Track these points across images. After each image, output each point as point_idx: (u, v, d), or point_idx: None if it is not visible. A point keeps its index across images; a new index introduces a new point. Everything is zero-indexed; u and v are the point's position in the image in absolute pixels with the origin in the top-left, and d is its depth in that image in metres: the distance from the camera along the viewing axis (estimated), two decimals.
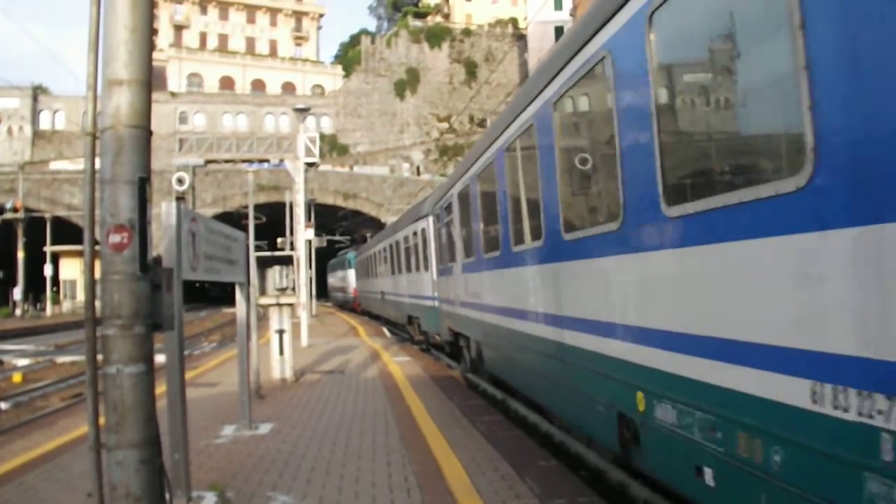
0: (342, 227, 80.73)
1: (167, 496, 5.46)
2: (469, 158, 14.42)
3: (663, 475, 6.07)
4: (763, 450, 4.27)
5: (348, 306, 60.89)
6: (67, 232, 63.37)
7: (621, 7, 5.96)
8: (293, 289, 15.89)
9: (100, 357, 5.17)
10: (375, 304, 41.48)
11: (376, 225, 77.22)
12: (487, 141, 12.07)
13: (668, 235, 5.41)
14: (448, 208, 17.15)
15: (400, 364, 18.84)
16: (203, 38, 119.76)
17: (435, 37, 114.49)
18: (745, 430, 4.46)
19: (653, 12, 5.40)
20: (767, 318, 4.24)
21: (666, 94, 5.59)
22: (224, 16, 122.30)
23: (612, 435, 6.86)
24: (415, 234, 24.93)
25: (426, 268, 23.01)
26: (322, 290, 74.72)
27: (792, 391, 3.95)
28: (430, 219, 21.51)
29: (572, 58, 7.31)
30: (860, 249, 3.48)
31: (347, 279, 59.10)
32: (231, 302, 13.94)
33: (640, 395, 6.07)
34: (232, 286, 10.66)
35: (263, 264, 15.60)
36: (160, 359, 6.03)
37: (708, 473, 4.98)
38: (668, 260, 5.49)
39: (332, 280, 76.75)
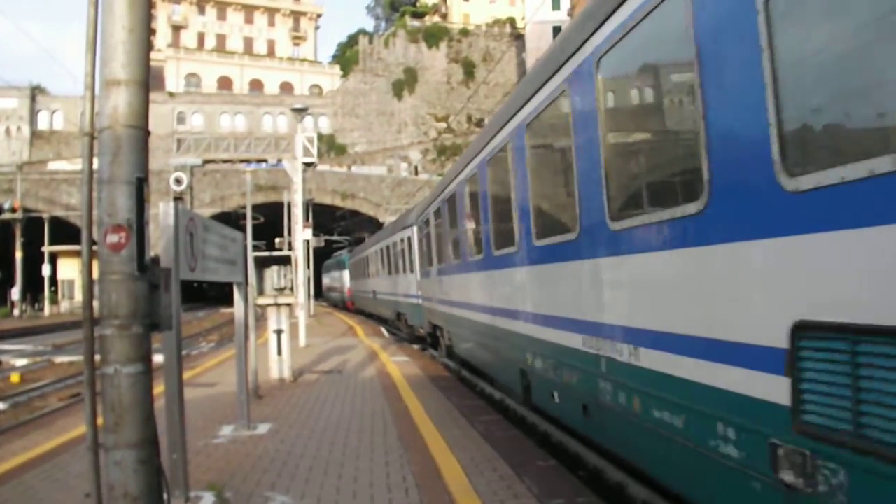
0: (340, 227, 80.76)
1: (165, 496, 5.47)
2: (442, 183, 18.63)
3: (539, 403, 9.40)
4: (569, 374, 7.99)
5: (342, 305, 63.67)
6: (65, 232, 63.36)
7: (515, 114, 9.78)
8: (291, 289, 15.90)
9: (98, 357, 5.17)
10: (368, 303, 44.94)
11: (374, 224, 77.18)
12: (454, 173, 15.89)
13: (534, 257, 9.25)
14: (427, 222, 21.09)
15: (398, 364, 18.84)
16: (201, 38, 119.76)
17: (433, 37, 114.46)
18: (564, 366, 8.13)
19: (528, 124, 9.21)
20: (564, 301, 8.12)
21: (530, 177, 9.38)
22: (222, 16, 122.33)
23: (518, 384, 10.96)
24: (402, 240, 27.86)
25: (412, 270, 25.94)
26: (317, 291, 74.92)
27: (575, 341, 7.61)
28: (415, 228, 24.59)
29: (494, 136, 11.18)
30: (586, 270, 7.28)
31: (342, 279, 62.05)
32: (229, 302, 13.95)
33: (529, 355, 9.90)
34: (230, 286, 10.66)
35: (261, 264, 15.61)
36: (158, 359, 6.03)
37: (556, 395, 8.77)
38: (533, 271, 9.43)
39: (327, 280, 77.35)
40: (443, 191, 17.49)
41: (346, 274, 59.75)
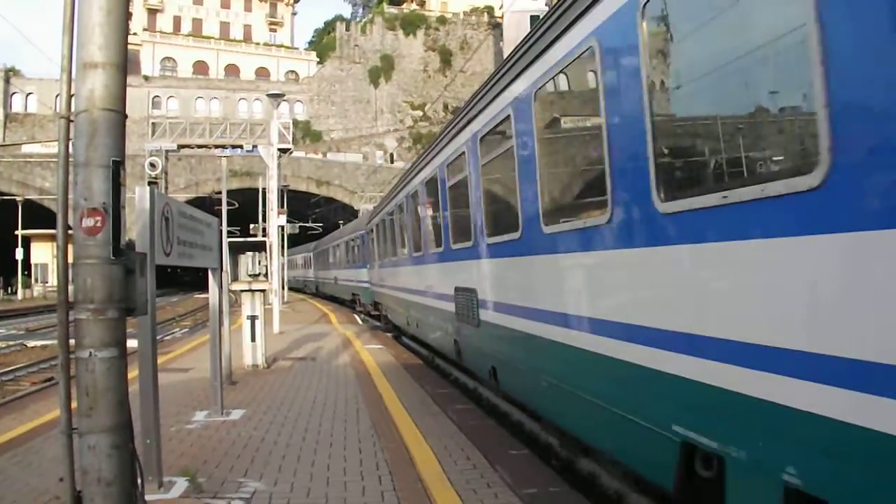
0: (315, 214, 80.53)
1: (139, 481, 5.45)
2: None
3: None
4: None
5: None
6: (39, 215, 62.84)
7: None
8: (266, 275, 15.87)
9: (72, 341, 5.14)
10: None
11: (350, 212, 77.15)
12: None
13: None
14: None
15: (371, 351, 18.87)
16: (177, 22, 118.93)
17: (410, 24, 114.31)
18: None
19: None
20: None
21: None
22: (198, 0, 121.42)
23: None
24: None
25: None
26: None
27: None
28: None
29: (410, 181, 16.87)
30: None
31: None
32: (203, 287, 13.92)
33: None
34: (204, 272, 10.63)
35: (236, 250, 15.57)
36: (132, 343, 6.01)
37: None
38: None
39: None
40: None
41: None
